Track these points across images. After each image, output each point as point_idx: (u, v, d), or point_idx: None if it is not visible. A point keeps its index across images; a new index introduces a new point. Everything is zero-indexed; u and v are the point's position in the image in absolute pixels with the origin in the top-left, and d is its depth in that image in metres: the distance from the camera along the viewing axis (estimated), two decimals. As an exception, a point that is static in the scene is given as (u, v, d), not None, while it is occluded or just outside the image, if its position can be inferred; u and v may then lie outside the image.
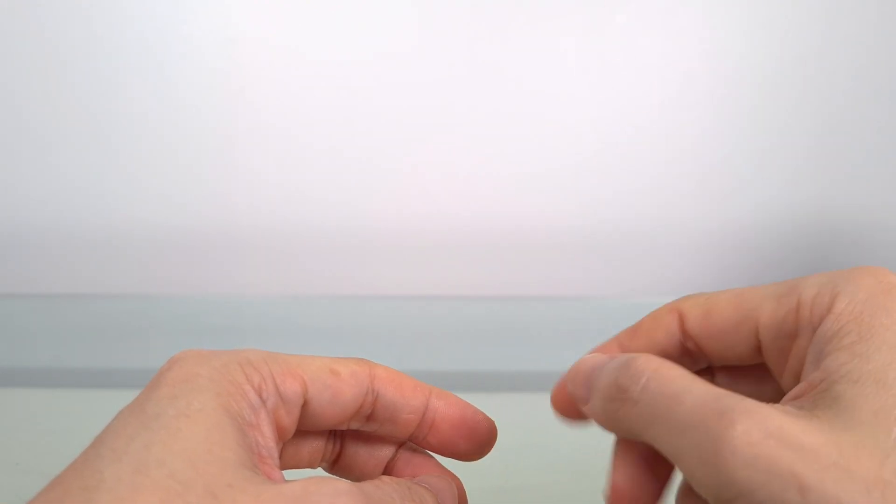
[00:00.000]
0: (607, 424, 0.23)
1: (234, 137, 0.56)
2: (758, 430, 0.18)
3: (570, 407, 0.26)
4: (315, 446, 0.27)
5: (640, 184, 0.57)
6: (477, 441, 0.27)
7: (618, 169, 0.57)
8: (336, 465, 0.28)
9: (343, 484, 0.21)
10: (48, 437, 0.44)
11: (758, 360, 0.24)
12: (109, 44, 0.53)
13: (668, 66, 0.55)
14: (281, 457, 0.25)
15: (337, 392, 0.25)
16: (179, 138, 0.55)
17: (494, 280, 0.59)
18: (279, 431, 0.24)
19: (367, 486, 0.22)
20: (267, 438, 0.23)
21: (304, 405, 0.24)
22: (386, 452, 0.27)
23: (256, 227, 0.57)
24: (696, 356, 0.25)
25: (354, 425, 0.26)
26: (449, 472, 0.27)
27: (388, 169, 0.57)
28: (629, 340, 0.26)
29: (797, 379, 0.23)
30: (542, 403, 0.48)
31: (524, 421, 0.45)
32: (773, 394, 0.25)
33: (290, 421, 0.24)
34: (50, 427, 0.45)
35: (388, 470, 0.27)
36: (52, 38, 0.53)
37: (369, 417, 0.26)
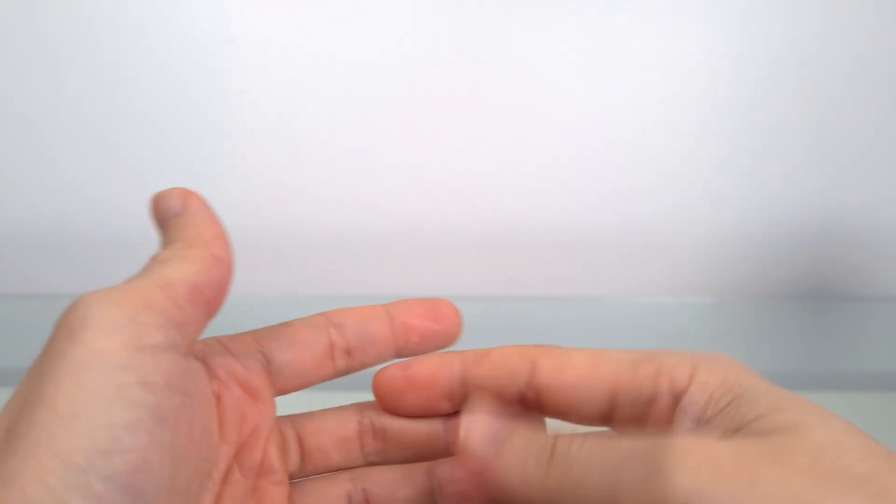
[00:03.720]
0: (532, 484, 0.21)
1: (234, 137, 0.56)
2: (700, 445, 0.18)
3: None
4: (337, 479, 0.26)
5: (641, 184, 0.57)
6: (447, 320, 0.27)
7: (618, 169, 0.57)
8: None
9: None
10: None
11: (603, 425, 0.24)
12: (109, 43, 0.53)
13: (668, 66, 0.55)
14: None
15: (292, 336, 0.25)
16: (179, 138, 0.55)
17: (494, 280, 0.59)
18: (251, 390, 0.24)
19: None
20: None
21: (268, 362, 0.24)
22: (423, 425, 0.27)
23: (256, 227, 0.57)
24: (529, 406, 0.25)
25: (341, 364, 0.26)
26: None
27: (387, 168, 0.57)
28: (474, 365, 0.26)
29: None
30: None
31: (524, 421, 0.45)
32: None
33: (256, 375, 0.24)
34: (50, 427, 0.45)
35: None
36: (52, 38, 0.53)
37: (348, 352, 0.26)
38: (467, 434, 0.23)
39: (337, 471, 0.27)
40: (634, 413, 0.23)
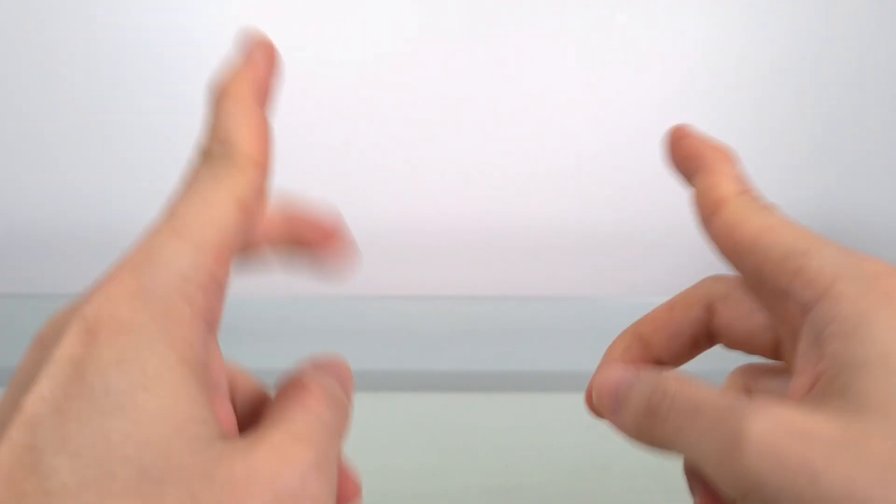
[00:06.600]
0: (638, 438, 0.23)
1: (234, 137, 0.56)
2: (769, 424, 0.19)
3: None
4: None
5: (641, 184, 0.57)
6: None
7: (618, 169, 0.57)
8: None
9: (309, 455, 0.19)
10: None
11: (758, 289, 0.25)
12: (109, 44, 0.53)
13: (668, 66, 0.55)
14: None
15: (257, 223, 0.25)
16: (180, 138, 0.55)
17: (494, 280, 0.59)
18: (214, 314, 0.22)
19: (322, 445, 0.20)
20: (218, 373, 0.21)
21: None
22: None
23: (256, 227, 0.57)
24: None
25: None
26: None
27: (387, 169, 0.57)
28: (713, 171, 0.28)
29: (790, 325, 0.23)
30: (542, 403, 0.48)
31: (524, 421, 0.45)
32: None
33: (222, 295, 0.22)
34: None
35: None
36: (52, 38, 0.53)
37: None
38: (598, 392, 0.25)
39: None
40: (776, 296, 0.24)
